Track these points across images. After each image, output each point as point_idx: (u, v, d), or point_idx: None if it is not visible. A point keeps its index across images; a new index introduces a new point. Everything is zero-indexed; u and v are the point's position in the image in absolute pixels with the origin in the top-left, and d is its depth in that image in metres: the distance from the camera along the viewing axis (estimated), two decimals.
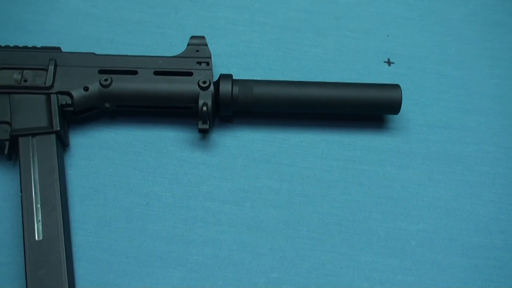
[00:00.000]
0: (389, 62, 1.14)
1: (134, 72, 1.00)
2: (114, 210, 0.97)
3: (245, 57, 1.13)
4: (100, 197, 0.98)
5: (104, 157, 1.02)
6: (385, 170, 1.03)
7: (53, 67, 0.98)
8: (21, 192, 0.91)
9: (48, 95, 0.97)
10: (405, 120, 1.08)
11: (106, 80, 0.98)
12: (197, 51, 1.03)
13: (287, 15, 1.19)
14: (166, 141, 1.04)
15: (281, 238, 0.97)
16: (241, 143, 1.04)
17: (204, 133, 1.00)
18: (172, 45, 1.14)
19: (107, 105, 1.00)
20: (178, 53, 1.04)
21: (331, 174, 1.02)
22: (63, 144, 0.99)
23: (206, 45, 1.04)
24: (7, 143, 0.96)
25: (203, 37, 1.05)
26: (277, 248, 0.96)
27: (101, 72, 1.00)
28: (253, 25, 1.17)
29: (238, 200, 0.99)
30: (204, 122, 0.98)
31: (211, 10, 1.18)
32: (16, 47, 1.02)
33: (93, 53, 1.02)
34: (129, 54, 1.05)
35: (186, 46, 1.05)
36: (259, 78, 1.06)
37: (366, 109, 1.02)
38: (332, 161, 1.04)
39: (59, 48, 1.03)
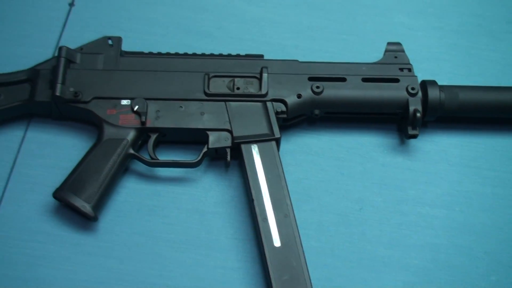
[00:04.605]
0: None
1: (343, 79, 1.02)
2: (330, 215, 0.99)
3: (427, 62, 1.15)
4: (314, 203, 1.00)
5: (310, 163, 1.03)
6: None
7: (266, 75, 0.99)
8: (252, 199, 0.93)
9: (264, 103, 0.99)
10: None
11: (318, 87, 1.00)
12: (396, 57, 1.05)
13: (460, 19, 1.20)
14: (368, 147, 1.05)
15: (494, 241, 0.99)
16: (439, 148, 1.06)
17: (413, 138, 1.01)
18: (355, 50, 1.15)
19: (316, 112, 1.01)
20: (362, 59, 1.07)
21: None
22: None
23: (403, 51, 1.06)
24: (228, 151, 0.97)
25: (399, 44, 1.06)
26: (492, 252, 0.98)
27: (311, 79, 1.01)
28: (429, 30, 1.19)
29: (447, 204, 1.01)
30: (413, 128, 1.00)
31: (386, 16, 1.20)
32: (220, 55, 1.04)
33: (297, 60, 1.04)
34: (315, 60, 1.06)
35: (378, 53, 1.07)
36: (444, 83, 1.06)
37: None
38: None
39: (262, 56, 1.04)
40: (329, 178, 1.02)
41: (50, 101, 0.98)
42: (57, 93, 0.96)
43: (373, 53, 1.13)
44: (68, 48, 1.00)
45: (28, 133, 1.03)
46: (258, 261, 0.94)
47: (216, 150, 0.97)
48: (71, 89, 0.97)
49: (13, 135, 1.03)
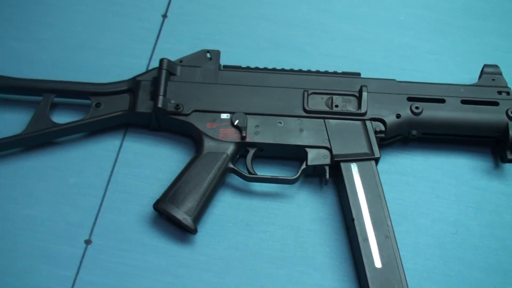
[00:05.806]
0: None
1: (442, 101, 1.01)
2: (425, 237, 0.99)
3: None
4: (409, 224, 0.99)
5: (405, 183, 1.03)
6: None
7: (366, 93, 0.99)
8: (352, 218, 0.93)
9: (363, 122, 0.99)
10: None
11: (417, 108, 0.99)
12: (493, 80, 1.04)
13: None
14: (462, 169, 1.04)
15: None
16: None
17: (511, 163, 1.00)
18: (447, 71, 1.15)
19: (414, 132, 1.01)
20: (454, 79, 1.08)
21: None
22: None
23: (501, 74, 1.05)
24: (327, 168, 0.97)
25: (497, 66, 1.05)
26: None
27: (410, 99, 1.01)
28: None
29: None
30: None
31: (479, 36, 1.19)
32: (318, 71, 1.04)
33: (394, 80, 1.03)
34: (408, 79, 1.05)
35: (470, 74, 1.06)
36: None
37: None
38: None
39: (359, 74, 1.04)
40: (424, 200, 1.01)
41: (151, 112, 0.98)
42: (159, 105, 0.97)
43: (464, 74, 1.12)
44: (169, 60, 1.01)
45: (125, 142, 1.04)
46: (355, 281, 0.94)
47: (314, 167, 0.97)
48: (172, 101, 0.98)
49: (111, 144, 1.04)
